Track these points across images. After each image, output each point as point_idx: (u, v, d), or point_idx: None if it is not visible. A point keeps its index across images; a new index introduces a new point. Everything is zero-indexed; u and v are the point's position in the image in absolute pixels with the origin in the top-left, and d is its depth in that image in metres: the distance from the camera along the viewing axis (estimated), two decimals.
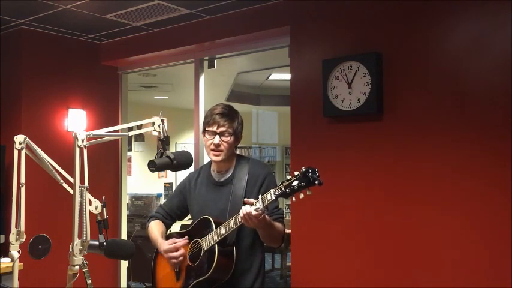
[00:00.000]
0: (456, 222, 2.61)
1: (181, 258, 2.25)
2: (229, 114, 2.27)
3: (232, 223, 2.08)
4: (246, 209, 1.97)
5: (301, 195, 1.89)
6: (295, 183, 1.88)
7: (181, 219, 2.55)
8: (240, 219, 2.03)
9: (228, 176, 2.33)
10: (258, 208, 1.95)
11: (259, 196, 1.97)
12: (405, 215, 2.79)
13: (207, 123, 2.28)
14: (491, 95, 2.53)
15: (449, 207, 2.64)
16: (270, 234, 2.19)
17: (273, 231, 2.18)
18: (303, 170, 1.89)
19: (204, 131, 2.30)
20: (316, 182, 1.85)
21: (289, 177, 1.93)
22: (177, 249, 2.25)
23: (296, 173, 1.91)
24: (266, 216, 2.05)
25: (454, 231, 2.62)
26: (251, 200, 2.00)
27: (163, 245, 2.30)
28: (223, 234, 2.11)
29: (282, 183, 1.94)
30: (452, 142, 2.64)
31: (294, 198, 1.90)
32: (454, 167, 2.63)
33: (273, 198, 1.94)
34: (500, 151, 2.48)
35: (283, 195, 1.91)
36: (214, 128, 2.24)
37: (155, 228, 2.44)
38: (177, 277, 2.29)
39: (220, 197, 2.31)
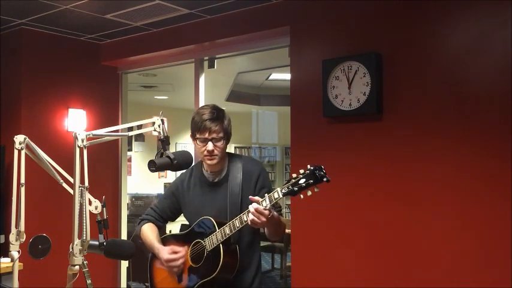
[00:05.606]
0: (456, 222, 2.61)
1: (182, 265, 2.24)
2: (218, 117, 2.23)
3: (237, 222, 2.06)
4: (257, 206, 1.95)
5: (309, 193, 1.88)
6: (302, 180, 1.88)
7: (172, 220, 2.53)
8: (246, 219, 2.01)
9: (223, 175, 2.32)
10: (266, 207, 1.95)
11: (266, 195, 1.96)
12: (405, 215, 2.79)
13: (197, 130, 2.23)
14: (491, 95, 2.53)
15: (449, 206, 2.64)
16: (276, 230, 2.20)
17: (280, 227, 2.21)
18: (311, 167, 1.89)
19: (195, 138, 2.27)
20: (324, 179, 1.85)
21: (294, 175, 1.92)
22: (177, 259, 2.23)
23: (301, 171, 1.90)
24: (274, 213, 2.05)
25: (454, 231, 2.62)
26: (256, 198, 1.99)
27: (163, 252, 2.29)
28: (227, 234, 2.09)
29: (288, 182, 1.92)
30: (452, 142, 2.64)
31: (301, 196, 1.89)
32: (453, 167, 2.63)
33: (281, 196, 1.93)
34: (500, 151, 2.48)
35: (291, 193, 1.90)
36: (206, 135, 2.21)
37: (149, 232, 2.42)
38: (179, 279, 2.28)
39: (216, 197, 2.29)
